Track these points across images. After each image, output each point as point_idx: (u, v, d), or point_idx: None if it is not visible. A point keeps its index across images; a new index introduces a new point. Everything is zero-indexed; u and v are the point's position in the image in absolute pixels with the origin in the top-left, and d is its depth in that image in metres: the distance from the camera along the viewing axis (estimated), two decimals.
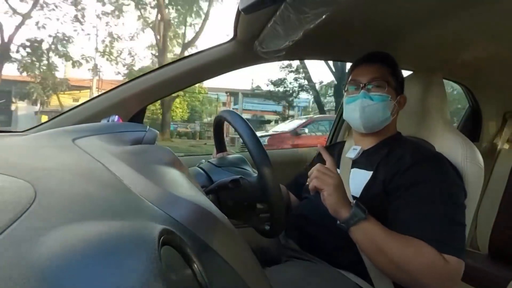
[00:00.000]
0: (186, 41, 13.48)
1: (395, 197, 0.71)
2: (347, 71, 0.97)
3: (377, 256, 0.66)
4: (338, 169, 0.87)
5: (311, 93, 13.58)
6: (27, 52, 11.61)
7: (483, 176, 0.83)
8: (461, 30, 0.95)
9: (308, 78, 12.66)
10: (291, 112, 15.88)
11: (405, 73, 1.09)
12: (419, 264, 0.62)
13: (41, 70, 12.25)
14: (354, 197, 0.77)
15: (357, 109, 0.83)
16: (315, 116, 9.73)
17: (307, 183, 0.74)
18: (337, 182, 0.69)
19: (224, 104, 17.90)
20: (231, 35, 0.99)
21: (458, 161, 0.81)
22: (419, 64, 1.21)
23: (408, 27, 0.95)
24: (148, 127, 0.50)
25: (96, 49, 13.45)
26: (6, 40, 10.99)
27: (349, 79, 0.88)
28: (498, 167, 1.43)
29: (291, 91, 13.19)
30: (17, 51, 11.45)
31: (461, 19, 0.88)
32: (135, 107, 1.01)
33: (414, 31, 0.98)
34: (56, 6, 11.77)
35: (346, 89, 0.88)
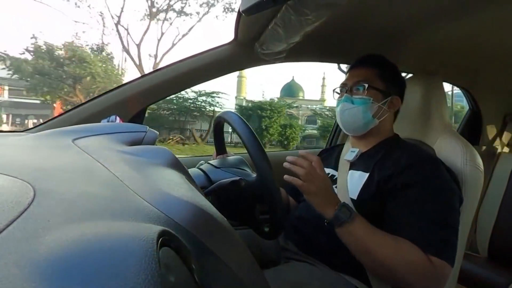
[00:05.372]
0: None
1: (390, 199, 0.72)
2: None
3: (362, 256, 0.67)
4: (336, 171, 0.87)
5: None
6: None
7: (483, 179, 0.83)
8: (461, 33, 0.95)
9: None
10: None
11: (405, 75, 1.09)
12: (404, 264, 0.63)
13: None
14: (351, 199, 0.77)
15: (338, 112, 0.86)
16: None
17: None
18: (323, 183, 0.68)
19: None
20: None
21: (458, 164, 0.81)
22: (419, 66, 1.21)
23: (408, 30, 0.96)
24: (147, 127, 0.50)
25: None
26: None
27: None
28: (498, 170, 1.43)
29: None
30: None
31: (461, 22, 0.88)
32: (135, 107, 1.01)
33: (414, 33, 0.98)
34: None
35: (337, 92, 0.90)
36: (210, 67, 1.04)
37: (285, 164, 0.68)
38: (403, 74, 1.14)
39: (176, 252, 0.21)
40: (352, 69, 0.88)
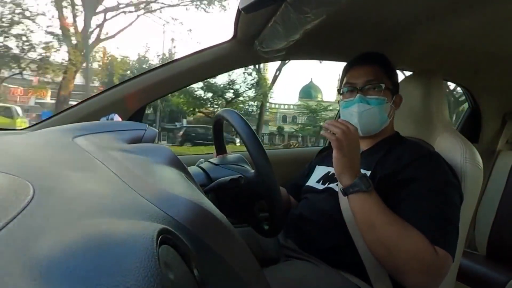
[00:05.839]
0: None
1: (392, 194, 0.72)
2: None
3: (368, 230, 0.67)
4: None
5: None
6: None
7: (482, 177, 0.83)
8: (460, 31, 0.95)
9: None
10: None
11: (405, 74, 1.09)
12: (408, 249, 0.62)
13: None
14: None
15: (355, 114, 0.82)
16: None
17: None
18: (354, 148, 0.69)
19: None
20: None
21: (457, 162, 0.82)
22: (419, 65, 1.21)
23: (408, 28, 0.95)
24: (147, 125, 0.50)
25: None
26: None
27: (344, 82, 0.87)
28: (497, 168, 1.43)
29: None
30: None
31: (461, 20, 0.88)
32: (135, 105, 1.01)
33: (414, 32, 0.98)
34: None
35: (341, 92, 0.87)
36: (209, 65, 1.04)
37: (324, 124, 0.71)
38: (403, 72, 1.14)
39: (175, 250, 0.21)
40: (355, 67, 0.85)
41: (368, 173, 0.78)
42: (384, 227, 0.64)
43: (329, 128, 0.70)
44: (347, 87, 0.85)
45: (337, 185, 0.82)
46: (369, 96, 0.81)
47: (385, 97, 0.81)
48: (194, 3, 11.71)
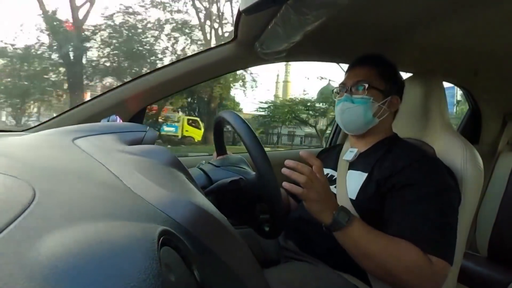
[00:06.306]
0: None
1: (389, 198, 0.72)
2: None
3: (362, 259, 0.67)
4: (335, 171, 0.87)
5: None
6: None
7: (483, 179, 0.83)
8: (460, 31, 0.95)
9: None
10: None
11: (405, 75, 1.09)
12: (404, 266, 0.63)
13: None
14: (350, 199, 0.77)
15: (339, 112, 0.85)
16: None
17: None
18: (321, 190, 0.64)
19: None
20: None
21: (458, 163, 0.81)
22: (419, 66, 1.21)
23: (408, 29, 0.95)
24: (148, 127, 0.50)
25: None
26: None
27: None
28: (498, 169, 1.43)
29: None
30: None
31: (460, 21, 0.88)
32: (135, 107, 1.01)
33: (414, 33, 0.98)
34: None
35: (335, 92, 0.90)
36: (210, 66, 1.04)
37: (284, 171, 0.63)
38: (403, 74, 1.14)
39: (176, 252, 0.21)
40: (351, 68, 0.88)
41: (365, 175, 0.78)
42: (376, 253, 0.64)
43: (291, 176, 0.62)
44: (340, 87, 0.88)
45: (335, 187, 0.82)
46: (355, 95, 0.83)
47: (371, 97, 0.81)
48: None
